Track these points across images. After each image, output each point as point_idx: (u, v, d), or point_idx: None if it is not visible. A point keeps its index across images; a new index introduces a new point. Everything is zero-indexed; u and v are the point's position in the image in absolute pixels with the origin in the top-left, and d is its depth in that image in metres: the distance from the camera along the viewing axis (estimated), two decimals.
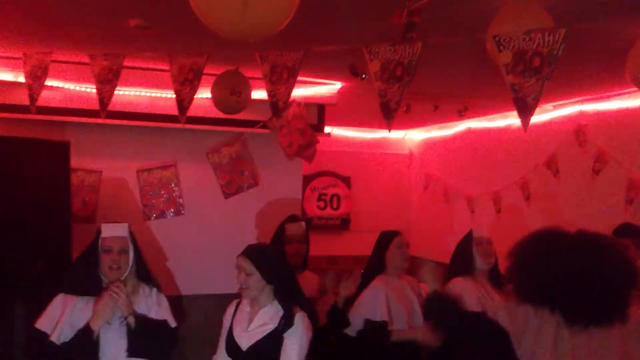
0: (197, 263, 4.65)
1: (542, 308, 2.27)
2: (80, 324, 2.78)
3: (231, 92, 3.77)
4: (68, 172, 3.72)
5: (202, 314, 4.60)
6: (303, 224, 3.79)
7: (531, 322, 2.29)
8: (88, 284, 2.87)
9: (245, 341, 2.79)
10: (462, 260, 3.67)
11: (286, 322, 2.77)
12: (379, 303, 3.51)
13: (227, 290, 4.64)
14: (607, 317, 2.18)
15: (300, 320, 2.78)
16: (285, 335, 2.74)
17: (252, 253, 2.86)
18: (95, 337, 2.75)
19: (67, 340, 2.76)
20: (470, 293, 3.47)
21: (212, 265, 4.65)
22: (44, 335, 2.76)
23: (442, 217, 7.28)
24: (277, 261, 2.92)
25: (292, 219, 3.90)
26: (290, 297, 2.87)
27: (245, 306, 2.92)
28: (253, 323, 2.82)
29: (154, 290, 3.04)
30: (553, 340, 2.20)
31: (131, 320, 2.82)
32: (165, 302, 3.06)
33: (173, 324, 3.03)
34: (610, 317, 2.18)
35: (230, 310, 2.96)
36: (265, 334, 2.77)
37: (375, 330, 3.49)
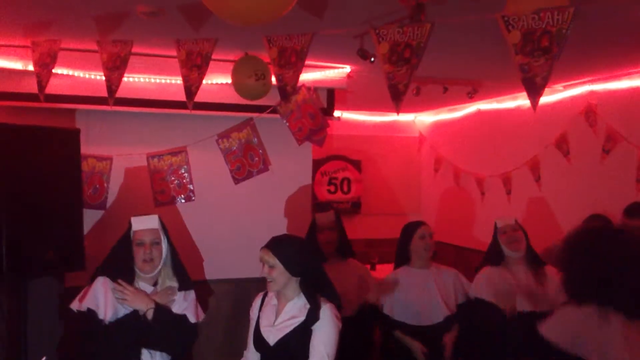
0: (207, 248, 4.68)
1: (601, 307, 2.19)
2: (120, 307, 2.84)
3: (257, 78, 3.77)
4: (79, 160, 3.73)
5: (213, 299, 4.65)
6: (332, 212, 3.89)
7: (590, 324, 2.20)
8: (124, 277, 2.90)
9: (272, 336, 2.76)
10: (492, 251, 3.80)
11: (313, 315, 2.70)
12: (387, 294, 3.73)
13: (237, 276, 4.68)
14: None
15: (328, 312, 2.70)
16: (313, 328, 2.68)
17: (274, 245, 2.77)
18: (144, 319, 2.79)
19: (112, 320, 2.81)
20: (492, 282, 3.63)
21: (223, 250, 4.68)
22: (94, 314, 2.79)
23: (452, 199, 7.27)
24: (301, 252, 2.79)
25: (322, 208, 4.06)
26: (316, 289, 2.78)
27: (271, 299, 2.89)
28: (280, 317, 2.78)
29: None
30: (621, 337, 2.14)
31: (150, 313, 2.82)
32: (191, 296, 3.05)
33: (193, 319, 2.99)
34: None
35: (256, 303, 2.93)
36: (292, 328, 2.72)
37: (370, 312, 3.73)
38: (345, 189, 7.60)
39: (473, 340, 3.68)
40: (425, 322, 3.68)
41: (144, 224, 2.94)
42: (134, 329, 2.80)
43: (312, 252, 2.97)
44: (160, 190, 4.58)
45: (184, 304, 2.98)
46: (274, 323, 2.78)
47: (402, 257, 3.84)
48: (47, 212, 3.43)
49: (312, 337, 2.67)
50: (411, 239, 3.78)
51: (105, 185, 4.42)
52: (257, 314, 2.87)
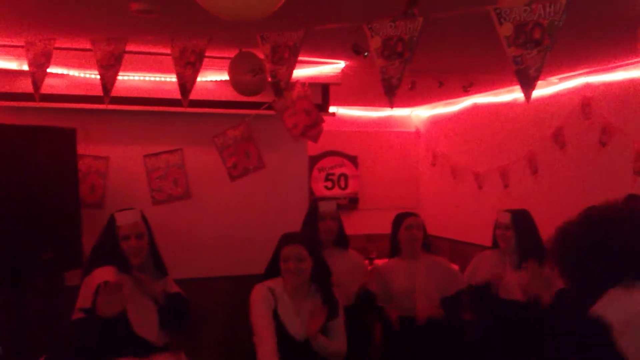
0: (205, 246, 4.69)
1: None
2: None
3: (253, 74, 3.78)
4: (75, 159, 3.74)
5: (210, 297, 4.65)
6: (335, 202, 3.96)
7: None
8: (119, 265, 3.00)
9: (299, 333, 2.98)
10: (492, 239, 3.94)
11: (334, 312, 3.07)
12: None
13: (235, 273, 4.69)
14: None
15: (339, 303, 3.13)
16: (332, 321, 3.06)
17: (305, 240, 3.08)
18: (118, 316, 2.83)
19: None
20: (485, 264, 3.88)
21: (220, 247, 4.69)
22: (90, 311, 2.85)
23: (450, 193, 7.28)
24: (313, 242, 3.18)
25: (324, 198, 4.05)
26: (326, 282, 3.13)
27: (282, 295, 3.04)
28: (301, 317, 3.02)
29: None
30: None
31: (160, 298, 3.04)
32: (170, 280, 3.26)
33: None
34: None
35: (268, 297, 3.03)
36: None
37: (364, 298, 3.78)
38: (343, 184, 7.61)
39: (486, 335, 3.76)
40: (407, 312, 3.70)
41: (128, 218, 3.07)
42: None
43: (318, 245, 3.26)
44: (157, 188, 4.59)
45: (170, 286, 3.21)
46: (297, 321, 3.01)
47: (393, 248, 3.95)
48: (44, 211, 3.44)
49: (330, 326, 3.04)
50: (399, 230, 3.87)
51: (102, 184, 4.43)
52: (274, 310, 2.99)
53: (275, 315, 2.97)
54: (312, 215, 3.86)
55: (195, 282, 4.43)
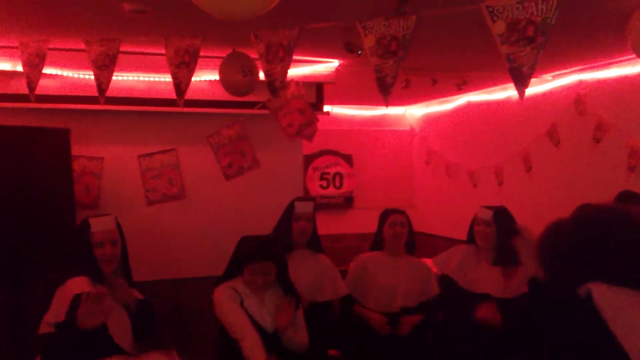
0: (200, 245, 4.69)
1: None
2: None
3: (243, 74, 3.78)
4: (69, 159, 3.74)
5: (204, 297, 4.64)
6: (312, 203, 3.83)
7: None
8: (92, 274, 2.90)
9: (269, 324, 3.02)
10: (468, 233, 3.85)
11: (296, 301, 3.11)
12: (350, 276, 3.87)
13: None
14: None
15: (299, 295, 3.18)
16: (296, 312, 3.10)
17: (271, 254, 3.06)
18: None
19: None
20: (458, 256, 3.81)
21: (215, 247, 4.68)
22: (62, 325, 2.75)
23: (444, 192, 7.29)
24: (279, 247, 3.19)
25: (303, 197, 4.06)
26: (286, 277, 3.17)
27: (244, 290, 3.06)
28: (265, 307, 3.05)
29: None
30: None
31: (132, 306, 2.95)
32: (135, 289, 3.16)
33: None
34: None
35: (233, 294, 3.05)
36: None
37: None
38: (338, 183, 7.61)
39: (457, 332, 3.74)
40: (380, 308, 3.71)
41: (103, 224, 2.95)
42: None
43: (279, 242, 3.28)
44: (151, 188, 4.59)
45: (136, 294, 3.11)
46: (263, 312, 3.04)
47: (376, 243, 3.93)
48: (39, 212, 3.44)
49: (296, 317, 3.09)
50: (383, 226, 3.85)
51: (97, 184, 4.42)
52: (241, 305, 3.01)
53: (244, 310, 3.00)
54: (288, 215, 3.74)
55: (190, 281, 4.43)
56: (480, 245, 3.73)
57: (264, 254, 3.03)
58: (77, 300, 2.70)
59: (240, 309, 2.99)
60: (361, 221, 7.43)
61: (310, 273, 3.64)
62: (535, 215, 3.98)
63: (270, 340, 2.96)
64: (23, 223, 3.36)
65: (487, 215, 3.71)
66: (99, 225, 2.93)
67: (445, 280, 3.81)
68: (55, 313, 2.80)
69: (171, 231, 4.62)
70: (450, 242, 6.91)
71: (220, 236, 4.72)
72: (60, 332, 2.73)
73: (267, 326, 3.01)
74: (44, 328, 2.81)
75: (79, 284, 2.83)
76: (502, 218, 3.69)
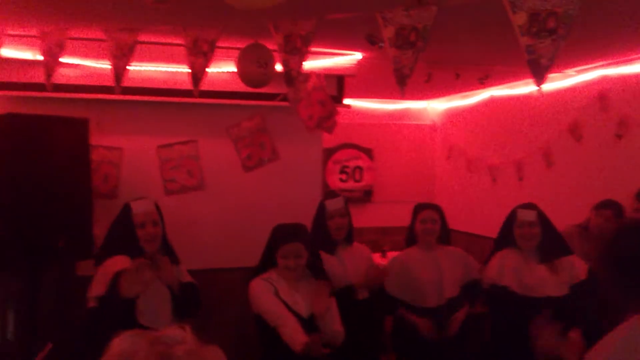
0: (219, 236, 4.70)
1: None
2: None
3: (258, 65, 3.77)
4: (88, 149, 3.76)
5: (223, 287, 4.66)
6: (342, 198, 3.87)
7: None
8: (133, 253, 3.05)
9: (303, 310, 3.08)
10: (504, 236, 3.74)
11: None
12: (391, 279, 3.79)
13: (248, 264, 4.69)
14: None
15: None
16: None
17: (303, 236, 3.17)
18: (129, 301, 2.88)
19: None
20: (509, 263, 3.63)
21: (234, 238, 4.69)
22: (103, 298, 2.92)
23: (465, 187, 7.23)
24: (309, 233, 3.29)
25: (331, 195, 4.07)
26: (318, 265, 3.28)
27: (278, 280, 3.15)
28: (299, 294, 3.14)
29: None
30: None
31: (175, 287, 3.09)
32: (182, 267, 3.32)
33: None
34: None
35: (267, 285, 3.14)
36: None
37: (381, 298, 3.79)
38: (357, 177, 7.58)
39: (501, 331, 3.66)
40: (429, 303, 3.69)
41: (143, 206, 3.15)
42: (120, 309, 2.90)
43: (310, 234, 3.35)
44: (170, 179, 4.60)
45: (183, 275, 3.29)
46: (298, 299, 3.12)
47: (409, 238, 3.92)
48: (56, 201, 3.46)
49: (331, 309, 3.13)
50: (415, 222, 3.85)
51: (116, 174, 4.45)
52: (277, 294, 3.09)
53: (278, 297, 3.09)
54: (321, 216, 3.80)
55: (208, 272, 4.44)
56: (524, 247, 3.62)
57: (293, 236, 3.14)
58: (118, 275, 2.87)
59: (275, 298, 3.07)
60: (381, 215, 7.41)
61: (352, 265, 3.72)
62: (555, 212, 3.93)
63: (307, 326, 3.01)
64: (41, 211, 3.38)
65: (532, 216, 3.61)
66: (140, 207, 3.13)
67: (501, 291, 3.63)
68: (97, 288, 2.97)
69: (189, 222, 4.63)
70: (470, 237, 6.86)
71: (239, 228, 4.74)
72: (101, 305, 2.90)
73: (301, 312, 3.07)
74: (91, 302, 2.98)
75: (119, 261, 2.99)
76: (543, 217, 3.63)
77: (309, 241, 3.21)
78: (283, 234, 3.16)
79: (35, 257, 3.37)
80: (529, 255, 3.62)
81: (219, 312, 4.50)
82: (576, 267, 3.55)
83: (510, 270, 3.61)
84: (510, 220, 3.68)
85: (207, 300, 4.60)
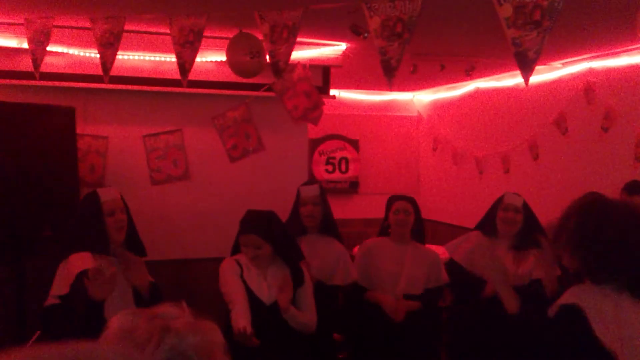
0: (203, 227, 4.69)
1: (618, 286, 2.00)
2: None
3: (251, 56, 3.76)
4: (74, 138, 3.73)
5: (208, 277, 4.65)
6: (317, 186, 3.83)
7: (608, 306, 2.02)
8: (98, 246, 2.89)
9: (266, 297, 3.06)
10: (487, 220, 3.78)
11: (298, 280, 3.14)
12: (357, 262, 3.86)
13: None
14: None
15: (306, 272, 3.22)
16: (299, 289, 3.13)
17: (260, 227, 3.10)
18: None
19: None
20: (469, 243, 3.78)
21: (218, 228, 4.68)
22: (66, 297, 2.77)
23: (450, 179, 7.27)
24: (274, 223, 3.18)
25: (309, 182, 4.05)
26: (289, 253, 3.20)
27: (246, 263, 3.13)
28: (267, 281, 3.10)
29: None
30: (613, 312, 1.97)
31: (144, 288, 2.93)
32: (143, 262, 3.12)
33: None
34: None
35: (234, 266, 3.12)
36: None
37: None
38: (343, 168, 7.60)
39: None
40: (391, 294, 3.67)
41: (111, 194, 2.99)
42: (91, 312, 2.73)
43: (278, 219, 3.26)
44: (156, 168, 4.59)
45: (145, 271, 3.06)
46: (263, 286, 3.09)
47: (383, 229, 3.90)
48: (42, 190, 3.44)
49: (299, 295, 3.12)
50: (388, 213, 3.81)
51: (102, 163, 4.43)
52: (241, 278, 3.07)
53: (242, 280, 3.07)
54: (296, 202, 3.80)
55: (192, 262, 4.44)
56: (502, 231, 3.67)
57: (249, 227, 3.10)
58: (80, 276, 2.71)
59: (237, 280, 3.05)
60: (366, 206, 7.43)
61: (322, 257, 3.65)
62: (540, 204, 3.97)
63: (268, 312, 3.01)
64: (27, 200, 3.36)
65: (518, 201, 3.67)
66: (108, 195, 2.96)
67: (453, 266, 3.79)
68: (59, 286, 2.82)
69: (175, 212, 4.63)
70: (455, 229, 6.91)
71: (224, 218, 4.72)
72: (64, 303, 2.75)
73: (264, 298, 3.06)
74: (50, 300, 2.82)
75: (81, 259, 2.83)
76: (528, 207, 3.68)
77: (271, 231, 3.11)
78: (242, 224, 3.14)
79: (21, 247, 3.35)
80: (501, 242, 3.67)
81: (204, 302, 4.50)
82: (540, 264, 3.59)
83: (467, 248, 3.75)
84: (497, 204, 3.73)
85: (193, 290, 4.62)
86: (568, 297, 2.07)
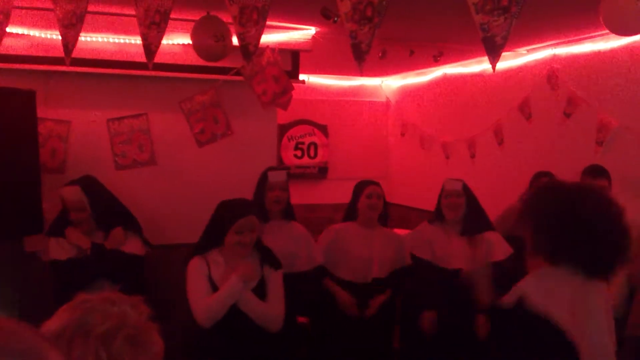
0: (170, 213, 4.63)
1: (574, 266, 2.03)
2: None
3: (216, 39, 3.70)
4: (35, 122, 3.64)
5: (175, 264, 4.61)
6: (285, 172, 3.84)
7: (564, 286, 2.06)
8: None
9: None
10: (436, 209, 3.94)
11: (275, 263, 3.13)
12: (322, 246, 3.85)
13: None
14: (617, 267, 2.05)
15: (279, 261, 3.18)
16: (269, 279, 3.09)
17: (254, 210, 3.09)
18: None
19: None
20: (424, 237, 3.89)
21: (186, 214, 4.63)
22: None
23: (418, 164, 7.31)
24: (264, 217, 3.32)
25: (275, 167, 4.05)
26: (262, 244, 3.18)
27: (215, 258, 3.06)
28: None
29: None
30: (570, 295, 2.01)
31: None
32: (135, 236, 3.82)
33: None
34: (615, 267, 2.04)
35: (201, 265, 3.05)
36: (255, 284, 3.04)
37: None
38: (312, 153, 7.58)
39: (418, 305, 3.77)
40: (354, 279, 3.75)
41: (71, 192, 3.47)
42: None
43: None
44: (120, 153, 4.51)
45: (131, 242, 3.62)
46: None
47: (349, 214, 3.92)
48: (2, 175, 3.35)
49: (270, 282, 3.07)
50: (359, 197, 3.83)
51: (63, 148, 4.33)
52: (209, 279, 3.00)
53: (211, 281, 2.99)
54: (261, 185, 3.76)
55: (161, 249, 4.38)
56: (449, 218, 3.77)
57: (246, 210, 3.04)
58: None
59: (201, 283, 3.00)
60: (335, 192, 7.42)
61: (286, 243, 3.64)
62: (505, 188, 4.03)
63: (237, 310, 2.97)
64: None
65: (458, 186, 3.80)
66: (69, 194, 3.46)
67: (416, 260, 3.86)
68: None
69: (141, 197, 4.54)
70: (423, 213, 6.94)
71: (191, 204, 4.67)
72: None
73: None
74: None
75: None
76: (468, 189, 3.78)
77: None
78: (236, 209, 3.04)
79: None
80: (452, 228, 3.80)
81: (172, 289, 4.46)
82: (495, 245, 3.68)
83: (424, 240, 3.85)
84: (440, 192, 3.87)
85: (161, 277, 4.57)
86: (523, 284, 2.12)
